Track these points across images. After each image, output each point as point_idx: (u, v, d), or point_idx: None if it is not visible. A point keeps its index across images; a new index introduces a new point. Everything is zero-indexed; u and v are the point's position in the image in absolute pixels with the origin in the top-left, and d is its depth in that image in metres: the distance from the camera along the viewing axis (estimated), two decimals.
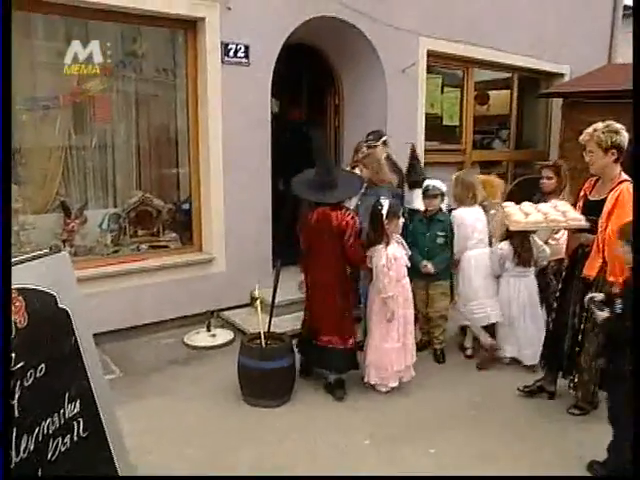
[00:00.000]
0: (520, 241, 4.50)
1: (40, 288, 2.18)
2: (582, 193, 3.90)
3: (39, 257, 2.23)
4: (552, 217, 3.91)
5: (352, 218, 4.09)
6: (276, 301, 4.39)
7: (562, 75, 8.78)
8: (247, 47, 5.35)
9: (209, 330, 5.19)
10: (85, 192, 5.35)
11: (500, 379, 4.53)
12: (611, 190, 3.58)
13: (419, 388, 4.32)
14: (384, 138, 5.35)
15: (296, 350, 4.32)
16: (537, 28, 8.13)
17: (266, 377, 3.97)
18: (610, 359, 3.25)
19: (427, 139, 7.15)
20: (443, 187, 4.87)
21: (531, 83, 8.85)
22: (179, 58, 5.49)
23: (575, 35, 8.69)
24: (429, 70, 7.05)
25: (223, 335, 5.19)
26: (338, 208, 4.11)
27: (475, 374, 4.62)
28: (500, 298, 4.70)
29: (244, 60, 5.35)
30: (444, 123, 7.78)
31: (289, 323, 5.15)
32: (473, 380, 4.51)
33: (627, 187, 3.49)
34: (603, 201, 3.59)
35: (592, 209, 3.65)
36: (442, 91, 7.69)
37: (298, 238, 4.34)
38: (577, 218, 3.79)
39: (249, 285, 5.01)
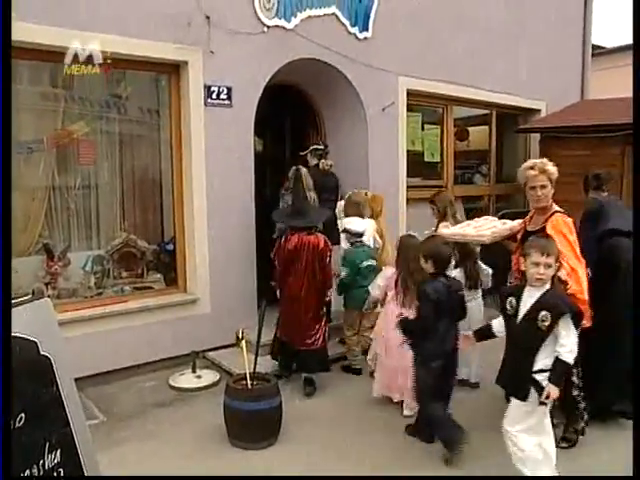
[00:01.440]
0: (469, 265, 4.79)
1: (21, 335, 2.15)
2: (523, 224, 4.07)
3: (21, 304, 2.21)
4: (463, 232, 4.29)
5: (326, 242, 4.79)
6: (261, 341, 4.38)
7: (538, 111, 9.00)
8: (229, 89, 5.44)
9: (194, 371, 5.13)
10: (68, 234, 5.34)
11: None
12: (546, 220, 3.76)
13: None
14: (312, 147, 6.06)
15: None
16: (512, 66, 8.36)
17: (252, 418, 3.93)
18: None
19: (409, 176, 7.24)
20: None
21: (509, 119, 9.06)
22: (163, 100, 5.57)
23: (549, 73, 8.95)
24: (409, 108, 7.20)
25: (208, 376, 5.12)
26: (313, 233, 4.78)
27: None
28: None
29: (227, 102, 5.44)
30: (425, 159, 7.90)
31: (274, 363, 5.12)
32: None
33: (560, 216, 3.74)
34: (538, 231, 3.76)
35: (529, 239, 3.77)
36: (422, 128, 7.83)
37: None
38: (480, 234, 4.12)
39: (234, 325, 4.97)
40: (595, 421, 4.11)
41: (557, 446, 3.42)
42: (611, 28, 15.08)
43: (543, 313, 3.09)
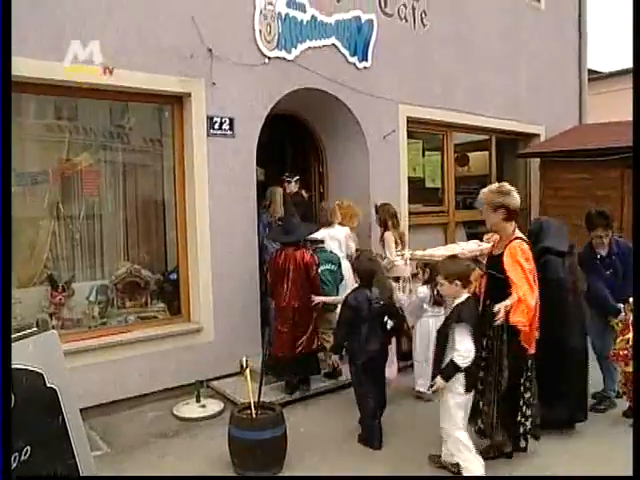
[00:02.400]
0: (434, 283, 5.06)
1: (28, 367, 2.17)
2: (491, 248, 4.22)
3: (28, 336, 2.23)
4: (432, 252, 4.68)
5: (311, 255, 5.20)
6: (265, 369, 4.37)
7: (537, 135, 9.09)
8: (232, 120, 5.52)
9: (198, 401, 5.10)
10: (73, 264, 5.37)
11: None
12: (506, 246, 3.87)
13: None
14: (297, 177, 6.62)
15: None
16: (510, 92, 8.48)
17: (257, 447, 3.90)
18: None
19: (411, 202, 7.29)
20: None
21: (509, 143, 9.15)
22: (166, 130, 5.64)
23: (547, 98, 9.08)
24: (409, 135, 7.28)
25: (213, 405, 5.10)
26: (300, 248, 5.16)
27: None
28: (420, 339, 5.14)
29: (229, 132, 5.51)
30: (427, 186, 7.96)
31: (279, 391, 5.11)
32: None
33: (518, 244, 3.82)
34: (499, 255, 3.90)
35: (491, 262, 4.06)
36: (423, 155, 7.92)
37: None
38: (442, 255, 4.43)
39: (238, 354, 4.94)
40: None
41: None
42: (607, 53, 15.32)
43: (449, 321, 3.71)
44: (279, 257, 5.16)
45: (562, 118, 9.28)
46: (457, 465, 3.74)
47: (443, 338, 3.75)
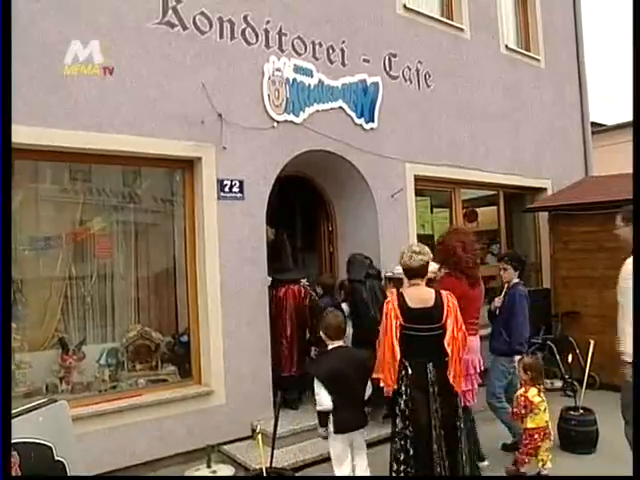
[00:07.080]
0: None
1: (36, 440, 2.14)
2: None
3: (36, 408, 2.22)
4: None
5: (306, 289, 6.23)
6: (278, 433, 4.29)
7: (544, 189, 9.13)
8: (242, 182, 5.61)
9: (209, 466, 4.96)
10: (84, 327, 5.37)
11: None
12: None
13: None
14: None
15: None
16: (515, 148, 8.58)
17: None
18: None
19: None
20: None
21: (517, 198, 9.18)
22: (177, 193, 5.73)
23: (551, 152, 9.19)
24: (417, 193, 7.32)
25: (224, 471, 4.94)
26: (297, 283, 6.20)
27: None
28: None
29: (239, 194, 5.59)
30: (436, 242, 7.92)
31: (291, 455, 4.99)
32: None
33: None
34: None
35: None
36: (432, 211, 7.96)
37: None
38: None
39: (249, 417, 4.89)
40: None
41: None
42: (612, 107, 15.57)
43: None
44: (279, 291, 6.12)
45: (568, 171, 9.34)
46: None
47: None
